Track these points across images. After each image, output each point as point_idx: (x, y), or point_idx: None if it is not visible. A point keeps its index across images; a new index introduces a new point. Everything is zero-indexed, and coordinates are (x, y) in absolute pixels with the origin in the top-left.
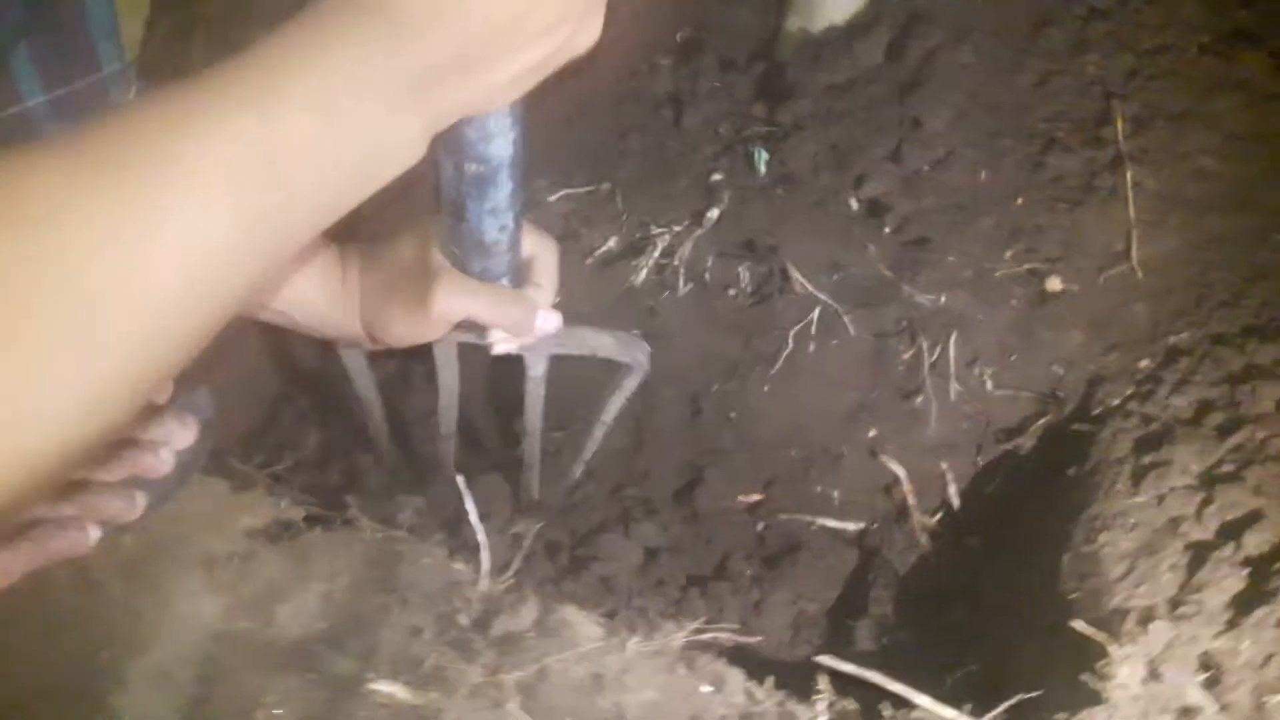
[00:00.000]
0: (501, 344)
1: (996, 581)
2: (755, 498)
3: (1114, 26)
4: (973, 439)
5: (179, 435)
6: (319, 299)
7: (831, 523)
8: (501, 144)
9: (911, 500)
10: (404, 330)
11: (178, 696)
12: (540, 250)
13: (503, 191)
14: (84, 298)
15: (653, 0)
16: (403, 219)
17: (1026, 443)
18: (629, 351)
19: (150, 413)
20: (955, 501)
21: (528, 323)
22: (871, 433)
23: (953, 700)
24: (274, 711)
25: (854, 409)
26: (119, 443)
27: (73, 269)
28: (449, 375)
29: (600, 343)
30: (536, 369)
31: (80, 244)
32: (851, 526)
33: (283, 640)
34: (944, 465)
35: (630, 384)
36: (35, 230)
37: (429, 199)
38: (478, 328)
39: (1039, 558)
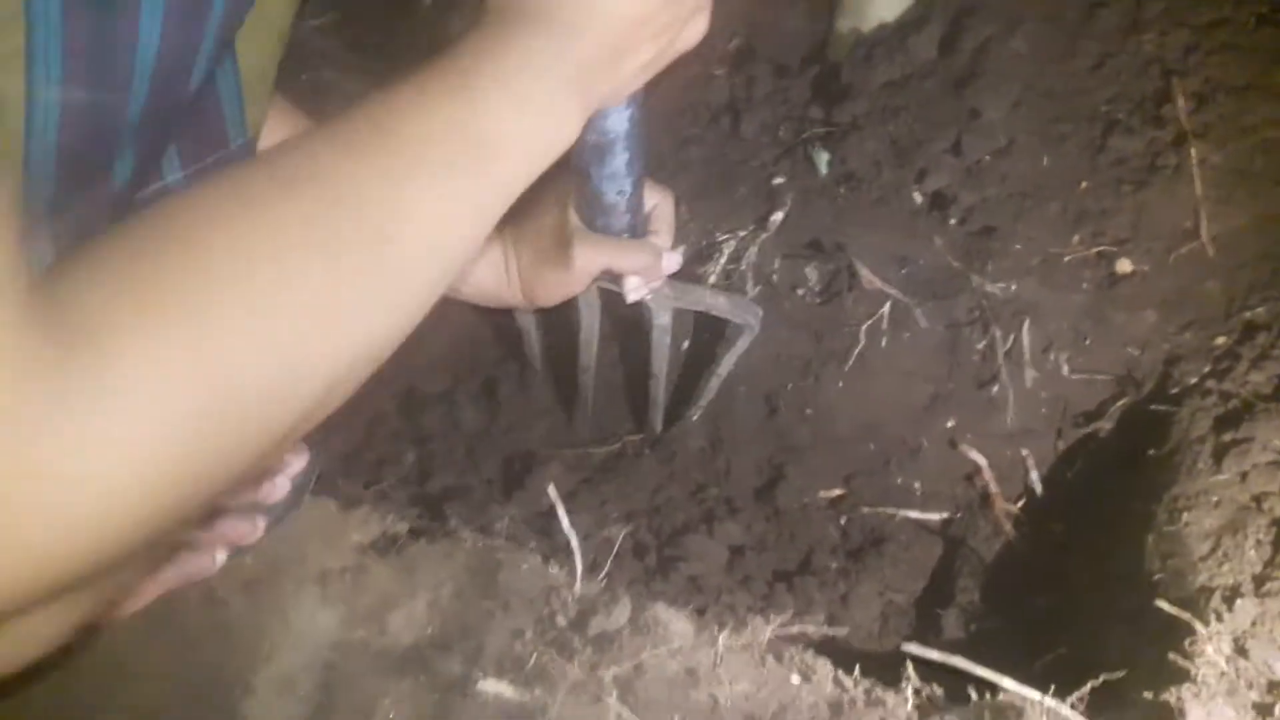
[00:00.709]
0: (634, 291)
1: (1082, 566)
2: (836, 493)
3: (1168, 3)
4: (1052, 424)
5: (292, 460)
6: (488, 279)
7: (914, 514)
8: (617, 119)
9: (993, 488)
10: (555, 289)
11: (302, 703)
12: (660, 201)
13: (619, 160)
14: (377, 253)
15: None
16: (541, 189)
17: (1106, 426)
18: (742, 313)
19: None
20: (1038, 488)
21: (655, 266)
22: (950, 423)
23: (1039, 683)
24: (390, 714)
25: (930, 400)
26: None
27: (365, 230)
28: (590, 317)
29: (717, 302)
30: (662, 318)
31: (356, 210)
32: (935, 517)
33: (396, 647)
34: (1024, 452)
35: (743, 343)
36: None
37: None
38: (616, 276)
39: (1123, 540)
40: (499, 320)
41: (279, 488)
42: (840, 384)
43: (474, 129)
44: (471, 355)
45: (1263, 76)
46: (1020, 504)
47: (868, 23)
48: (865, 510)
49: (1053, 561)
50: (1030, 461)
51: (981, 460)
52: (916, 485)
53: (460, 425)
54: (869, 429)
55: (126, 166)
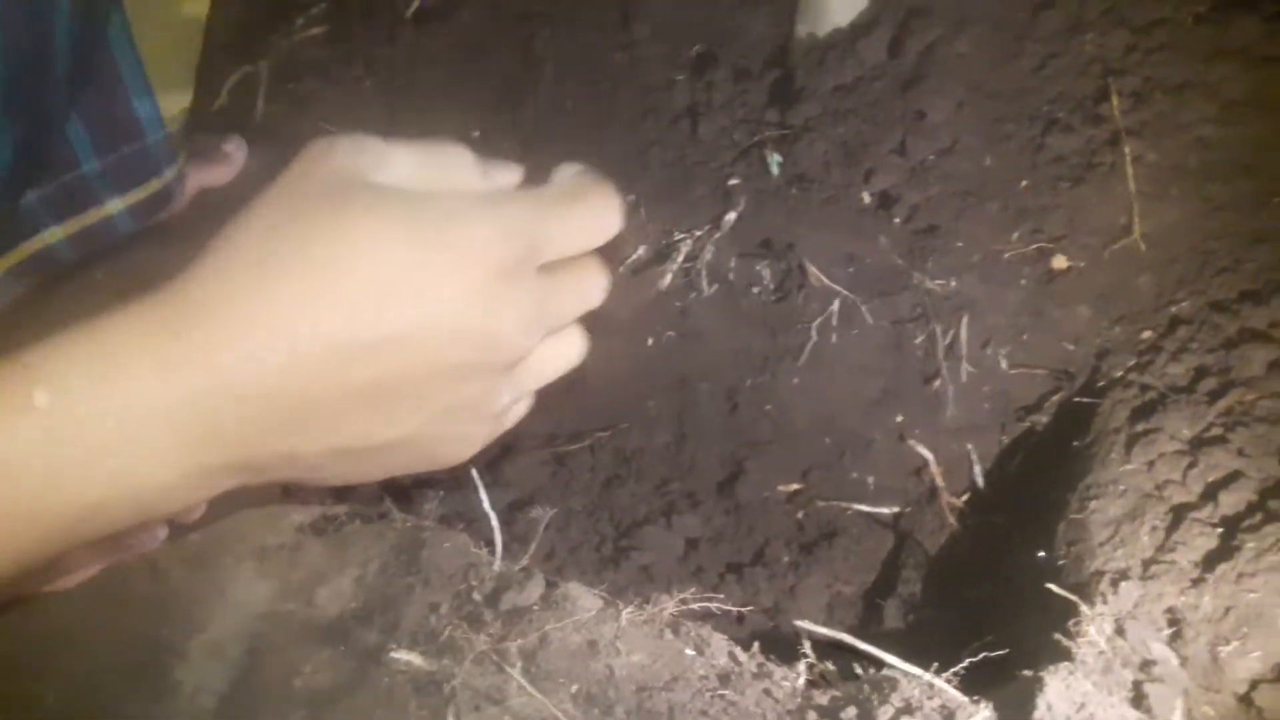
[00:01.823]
0: None
1: (1016, 556)
2: (794, 487)
3: (1110, 4)
4: (995, 419)
5: None
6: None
7: (867, 508)
8: None
9: (940, 482)
10: None
11: (230, 668)
12: None
13: None
14: None
15: (667, 23)
16: None
17: (1043, 419)
18: None
19: None
20: (980, 481)
21: None
22: (899, 418)
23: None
24: (309, 679)
25: (880, 395)
26: None
27: None
28: None
29: None
30: None
31: None
32: (886, 511)
33: (321, 618)
34: (969, 446)
35: None
36: None
37: None
38: None
39: (1047, 529)
40: None
41: None
42: (796, 380)
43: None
44: None
45: (1200, 75)
46: (965, 498)
47: (822, 28)
48: (821, 504)
49: (992, 553)
50: (974, 455)
51: (929, 455)
52: (870, 479)
53: None
54: (825, 424)
55: (5, 142)
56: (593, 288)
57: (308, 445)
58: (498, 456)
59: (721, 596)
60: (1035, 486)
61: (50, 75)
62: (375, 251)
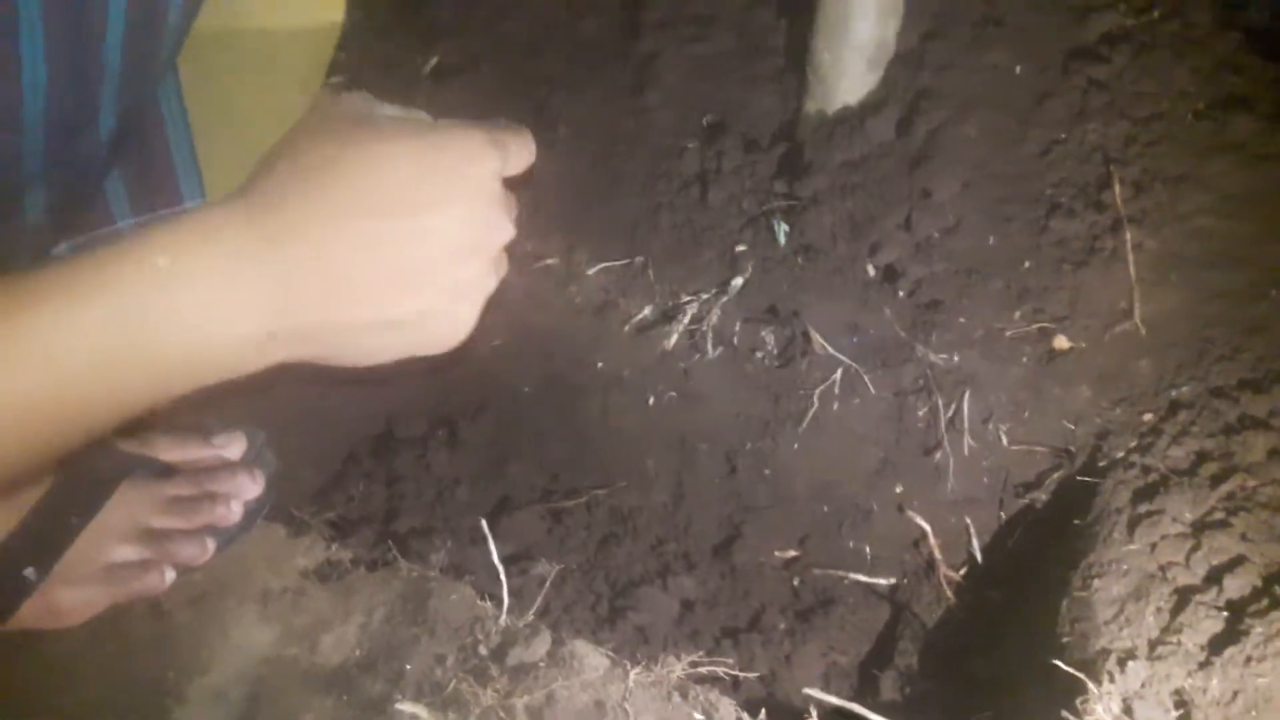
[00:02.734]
0: None
1: (1014, 632)
2: (791, 554)
3: (1112, 96)
4: (994, 493)
5: (249, 488)
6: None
7: (864, 578)
8: None
9: (938, 555)
10: None
11: (230, 713)
12: None
13: None
14: None
15: (678, 92)
16: None
17: (1042, 496)
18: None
19: (226, 468)
20: (979, 555)
21: None
22: (898, 488)
23: None
24: None
25: (880, 465)
26: (198, 491)
27: None
28: None
29: None
30: None
31: None
32: (883, 581)
33: (324, 665)
34: (967, 519)
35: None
36: None
37: None
38: None
39: (1047, 606)
40: (472, 362)
41: (233, 513)
42: (796, 446)
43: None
44: (447, 395)
45: (1197, 168)
46: (962, 571)
47: (832, 104)
48: (817, 572)
49: (989, 627)
50: (973, 529)
51: (927, 526)
52: (867, 549)
53: (431, 469)
54: (823, 491)
55: (38, 201)
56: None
57: (347, 316)
58: (495, 509)
59: (730, 661)
60: (1034, 563)
61: (92, 136)
62: (396, 162)
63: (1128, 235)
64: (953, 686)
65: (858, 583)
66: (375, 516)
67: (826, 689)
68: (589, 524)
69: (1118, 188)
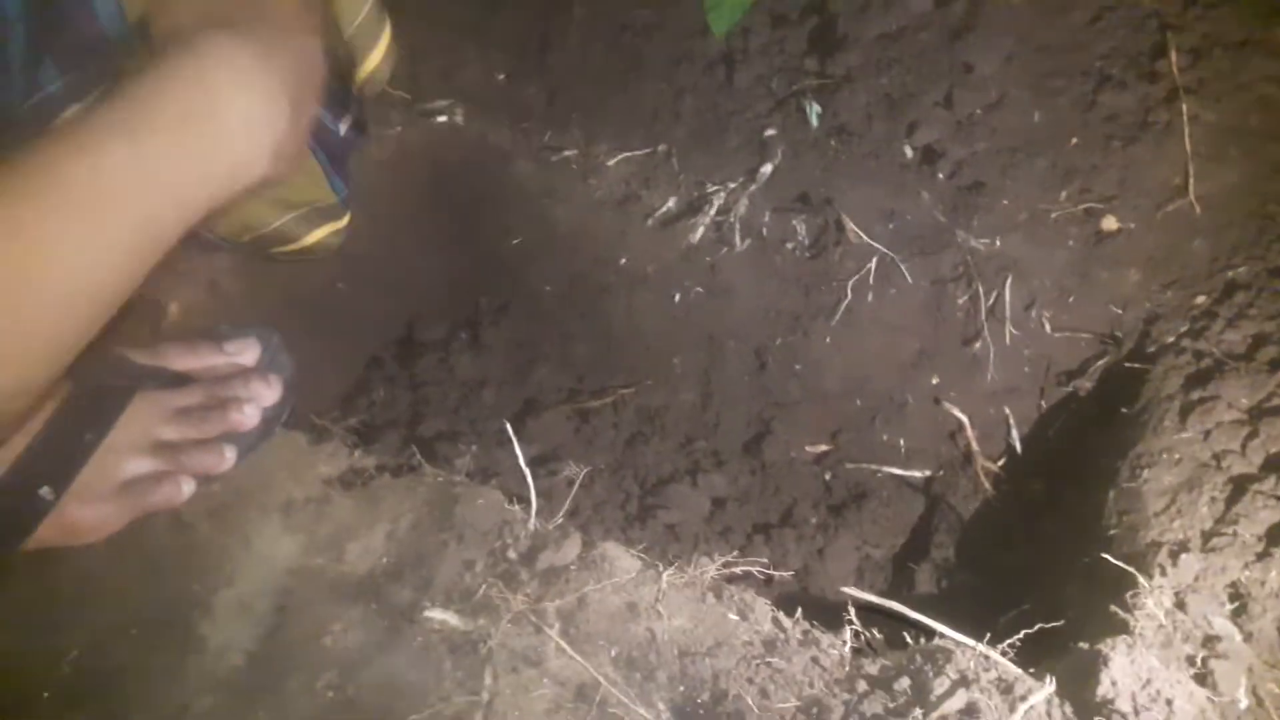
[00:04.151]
0: None
1: (1055, 524)
2: (822, 448)
3: None
4: (1035, 382)
5: (265, 393)
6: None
7: (897, 470)
8: None
9: (975, 446)
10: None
11: (257, 625)
12: None
13: None
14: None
15: None
16: None
17: (1086, 384)
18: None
19: (240, 374)
20: (1018, 446)
21: None
22: (934, 380)
23: (994, 635)
24: (338, 638)
25: (916, 357)
26: (212, 400)
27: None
28: None
29: None
30: None
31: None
32: (917, 474)
33: (351, 575)
34: (1006, 410)
35: None
36: None
37: None
38: None
39: (1092, 498)
40: (492, 261)
41: (249, 418)
42: (828, 339)
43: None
44: (468, 297)
45: (1261, 32)
46: (1001, 462)
47: None
48: (850, 466)
49: (1029, 519)
50: (1012, 420)
51: (964, 418)
52: (901, 442)
53: (455, 372)
54: (856, 385)
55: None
56: None
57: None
58: (520, 411)
59: (764, 560)
60: (1078, 453)
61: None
62: None
63: (1184, 107)
64: (990, 579)
65: (891, 476)
66: (400, 421)
67: (860, 583)
68: (616, 423)
69: (1174, 55)
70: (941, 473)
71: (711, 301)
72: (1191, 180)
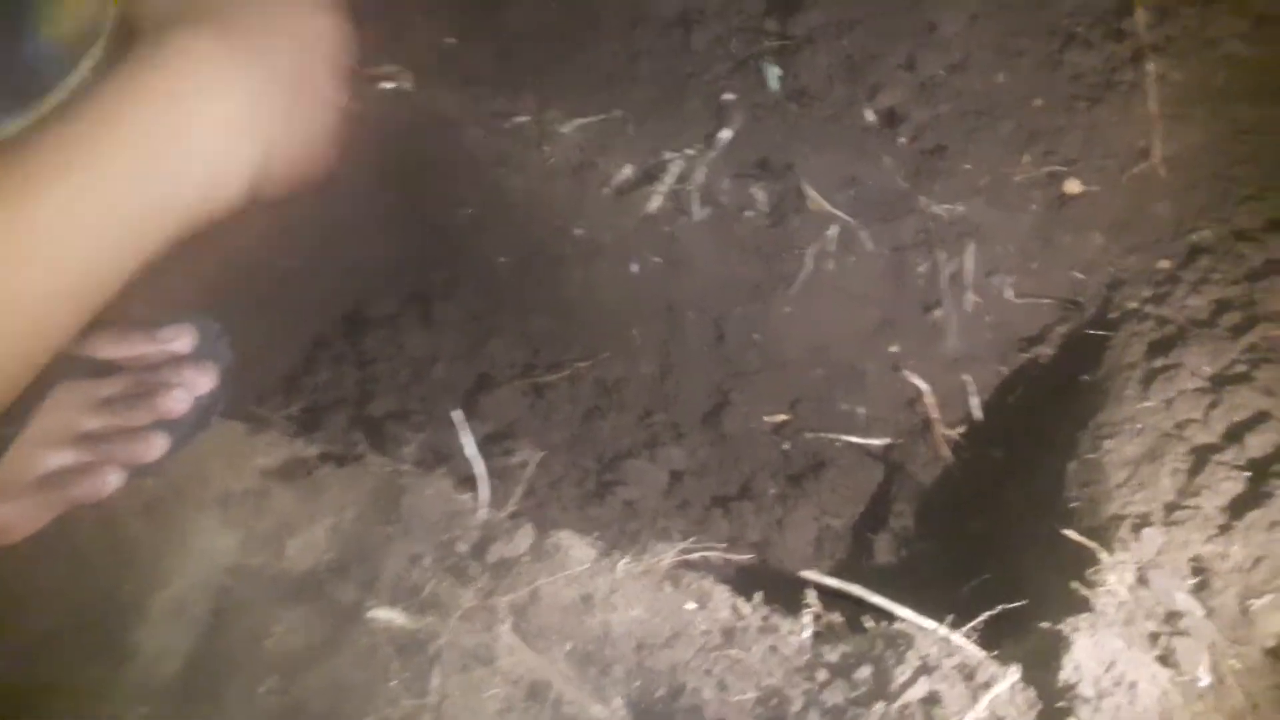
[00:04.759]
0: None
1: (1015, 492)
2: (781, 418)
3: None
4: (995, 349)
5: (198, 380)
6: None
7: (856, 439)
8: None
9: (934, 414)
10: None
11: (193, 627)
12: None
13: None
14: None
15: None
16: None
17: (1047, 351)
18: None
19: (171, 362)
20: (978, 413)
21: None
22: (894, 348)
23: (959, 609)
24: (280, 641)
25: (876, 325)
26: (140, 388)
27: None
28: None
29: None
30: None
31: None
32: (876, 442)
33: (292, 572)
34: (966, 377)
35: None
36: None
37: None
38: None
39: (1053, 467)
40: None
41: (179, 402)
42: (788, 309)
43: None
44: (418, 269)
45: None
46: (961, 430)
47: None
48: (808, 435)
49: (989, 488)
50: (972, 387)
51: (924, 386)
52: (860, 410)
53: (405, 348)
54: (816, 354)
55: None
56: None
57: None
58: (473, 387)
59: (723, 545)
60: (1037, 420)
61: None
62: None
63: (1149, 66)
64: (950, 548)
65: (850, 445)
66: (347, 400)
67: (820, 553)
68: (573, 398)
69: (1140, 13)
70: (901, 441)
71: (670, 271)
72: (1157, 142)
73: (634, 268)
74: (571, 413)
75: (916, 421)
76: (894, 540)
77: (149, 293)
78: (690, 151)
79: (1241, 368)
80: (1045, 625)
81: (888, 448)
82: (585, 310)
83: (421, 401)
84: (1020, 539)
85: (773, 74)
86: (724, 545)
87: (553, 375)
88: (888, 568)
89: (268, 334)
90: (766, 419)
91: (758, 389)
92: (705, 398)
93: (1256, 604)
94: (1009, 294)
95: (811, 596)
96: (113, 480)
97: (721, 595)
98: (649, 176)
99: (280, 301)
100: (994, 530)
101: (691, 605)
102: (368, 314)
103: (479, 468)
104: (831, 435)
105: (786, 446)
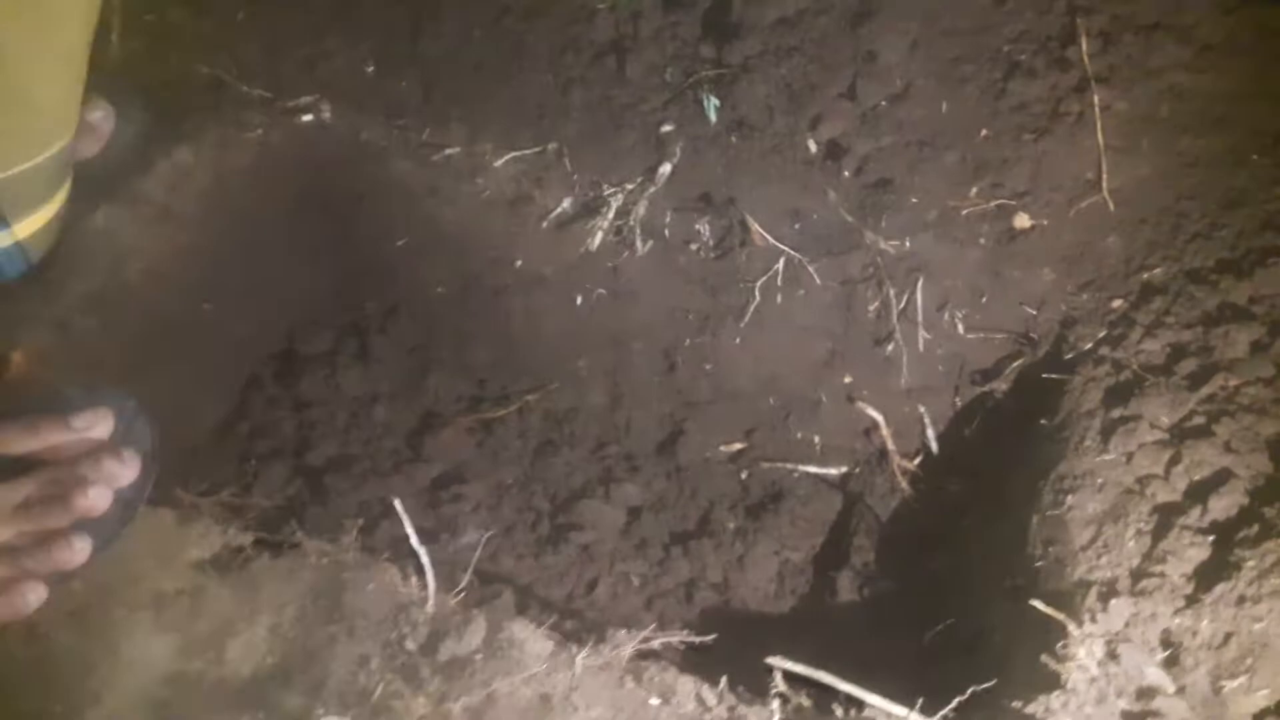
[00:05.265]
0: None
1: (975, 530)
2: (737, 446)
3: None
4: (949, 382)
5: (119, 472)
6: None
7: (813, 469)
8: None
9: (890, 445)
10: None
11: None
12: None
13: None
14: None
15: None
16: None
17: (1002, 385)
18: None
19: (89, 452)
20: (934, 445)
21: None
22: (847, 379)
23: (923, 690)
24: None
25: (827, 356)
26: (55, 487)
27: None
28: None
29: None
30: None
31: None
32: (833, 471)
33: (233, 679)
34: (921, 409)
35: None
36: None
37: None
38: None
39: (1012, 512)
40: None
41: (98, 501)
42: (738, 340)
43: None
44: (353, 301)
45: (1172, 15)
46: (917, 461)
47: None
48: (765, 465)
49: (948, 522)
50: (927, 419)
51: (878, 416)
52: (816, 439)
53: (343, 389)
54: (768, 384)
55: None
56: None
57: None
58: (418, 427)
59: (684, 633)
60: (994, 458)
61: None
62: None
63: (1095, 97)
64: (912, 587)
65: (808, 474)
66: (285, 450)
67: (781, 590)
68: (522, 432)
69: (1084, 41)
70: (858, 470)
71: (615, 303)
72: (1105, 175)
73: (578, 299)
74: (522, 449)
75: (873, 451)
76: (855, 577)
77: (68, 353)
78: (630, 186)
79: (1200, 419)
80: (1017, 706)
81: (845, 476)
82: (529, 341)
83: (364, 445)
84: (982, 585)
85: (711, 104)
86: (685, 633)
87: (500, 410)
88: (851, 606)
89: (197, 381)
90: (723, 448)
91: (712, 419)
92: (659, 428)
93: (1229, 685)
94: (960, 329)
95: (778, 679)
96: (33, 598)
97: (685, 687)
98: (589, 211)
99: (208, 345)
100: (955, 571)
101: (655, 700)
102: (302, 350)
103: (424, 558)
104: (789, 465)
105: (744, 475)
